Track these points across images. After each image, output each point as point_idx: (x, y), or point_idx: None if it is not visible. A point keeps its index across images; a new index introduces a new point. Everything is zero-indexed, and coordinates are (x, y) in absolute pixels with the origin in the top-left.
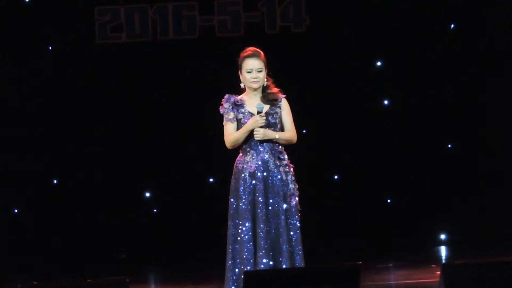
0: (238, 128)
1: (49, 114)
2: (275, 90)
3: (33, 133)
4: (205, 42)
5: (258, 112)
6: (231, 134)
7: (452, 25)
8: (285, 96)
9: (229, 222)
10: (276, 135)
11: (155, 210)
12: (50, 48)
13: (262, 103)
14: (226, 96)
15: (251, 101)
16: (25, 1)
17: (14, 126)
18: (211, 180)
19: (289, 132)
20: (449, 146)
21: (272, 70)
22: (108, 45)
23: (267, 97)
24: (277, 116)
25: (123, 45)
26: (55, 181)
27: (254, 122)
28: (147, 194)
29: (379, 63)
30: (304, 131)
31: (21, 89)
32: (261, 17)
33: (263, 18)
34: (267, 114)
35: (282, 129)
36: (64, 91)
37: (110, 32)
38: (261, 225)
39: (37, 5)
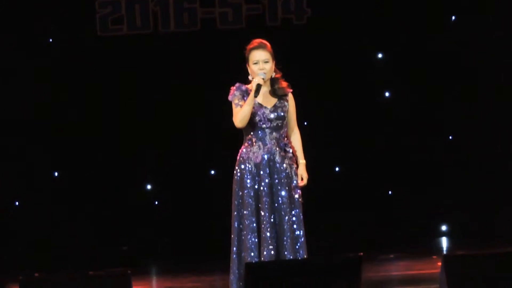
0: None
1: (49, 106)
2: (284, 84)
3: (33, 126)
4: (206, 34)
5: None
6: (239, 110)
7: (453, 17)
8: (292, 91)
9: (234, 213)
10: (301, 160)
11: (156, 202)
12: (51, 40)
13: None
14: (237, 84)
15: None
16: None
17: (15, 119)
18: (212, 172)
19: (298, 137)
20: (450, 137)
21: None
22: (109, 38)
23: (277, 92)
24: (286, 110)
25: (124, 38)
26: (56, 174)
27: (254, 82)
28: (149, 187)
29: (380, 55)
30: (305, 123)
31: (22, 81)
32: (262, 9)
33: (264, 10)
34: (276, 107)
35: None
36: (65, 84)
37: (111, 24)
38: (266, 217)
39: None
